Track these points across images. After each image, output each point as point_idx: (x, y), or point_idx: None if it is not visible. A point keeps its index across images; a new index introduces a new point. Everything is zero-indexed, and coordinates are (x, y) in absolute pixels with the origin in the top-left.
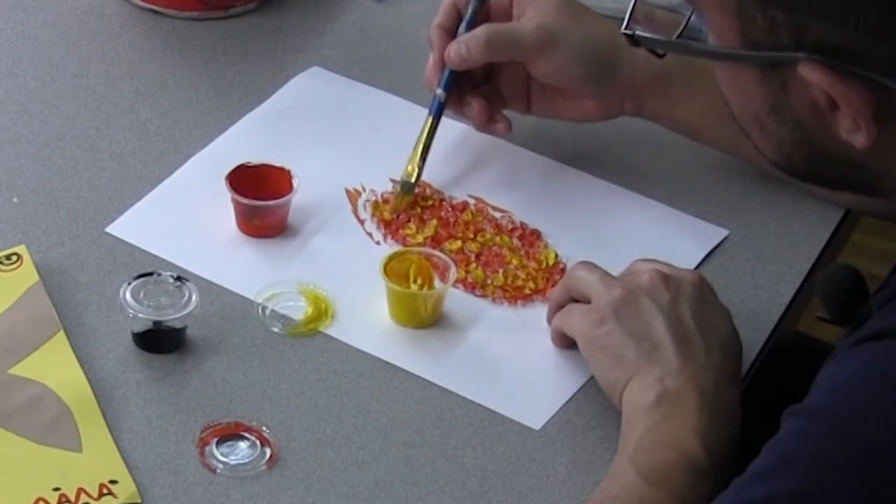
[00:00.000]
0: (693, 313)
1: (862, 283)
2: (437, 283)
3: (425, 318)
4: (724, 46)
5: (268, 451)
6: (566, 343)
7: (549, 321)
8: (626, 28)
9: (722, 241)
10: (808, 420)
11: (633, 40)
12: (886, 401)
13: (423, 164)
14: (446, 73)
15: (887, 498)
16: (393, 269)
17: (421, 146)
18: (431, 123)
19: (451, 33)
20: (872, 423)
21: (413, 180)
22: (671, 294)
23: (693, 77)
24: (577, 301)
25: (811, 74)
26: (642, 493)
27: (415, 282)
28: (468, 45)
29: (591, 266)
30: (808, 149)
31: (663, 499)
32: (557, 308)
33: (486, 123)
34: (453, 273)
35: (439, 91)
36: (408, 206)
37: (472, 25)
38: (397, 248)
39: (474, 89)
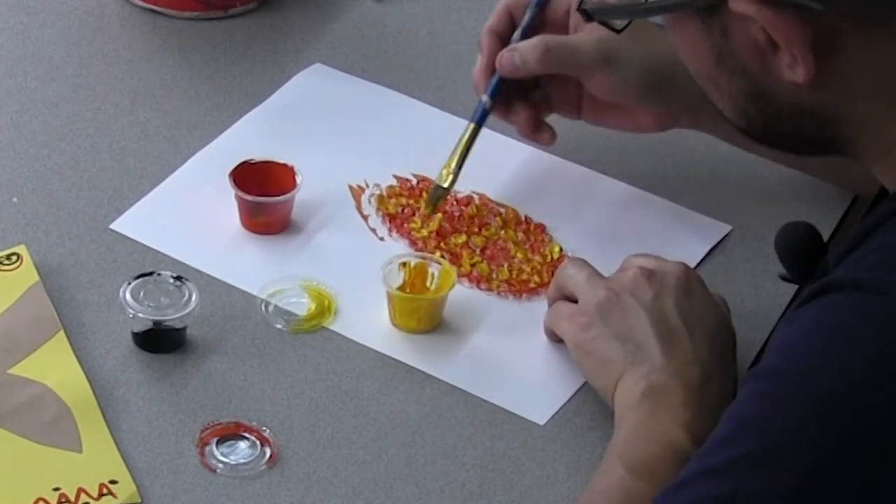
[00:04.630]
0: (678, 307)
1: (819, 239)
2: (430, 285)
3: (426, 323)
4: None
5: (268, 451)
6: (559, 339)
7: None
8: (579, 6)
9: (723, 240)
10: (763, 382)
11: (587, 15)
12: (837, 354)
13: (459, 170)
14: (495, 79)
15: (846, 450)
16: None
17: (459, 153)
18: (473, 130)
19: (503, 39)
20: (825, 377)
21: (446, 185)
22: (654, 291)
23: None
24: (568, 298)
25: (739, 5)
26: (628, 487)
27: (412, 287)
28: (523, 55)
29: (580, 264)
30: (758, 100)
31: (650, 491)
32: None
33: (532, 133)
34: (454, 277)
35: (485, 98)
36: (438, 210)
37: (527, 33)
38: (402, 242)
39: (523, 95)
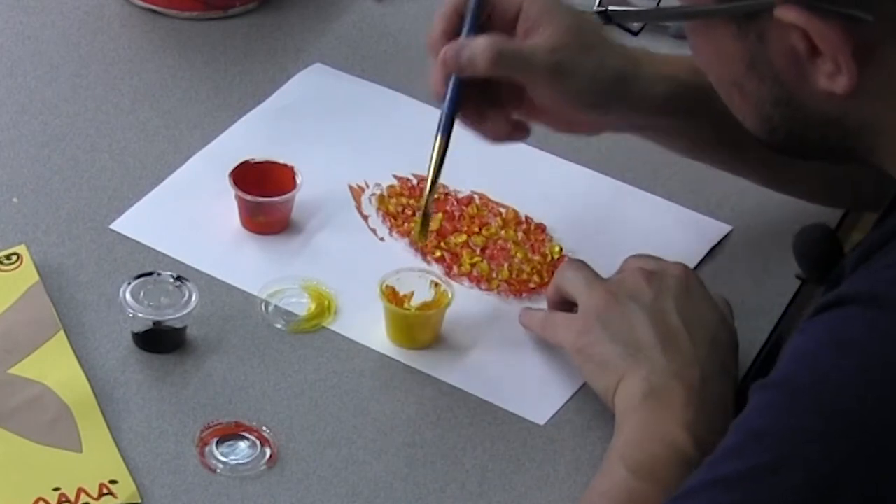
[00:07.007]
0: (678, 308)
1: (836, 241)
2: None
3: (423, 340)
4: (697, 5)
5: (268, 451)
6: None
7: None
8: (597, 7)
9: (723, 240)
10: (772, 393)
11: (606, 17)
12: (847, 368)
13: (434, 188)
14: (452, 85)
15: (854, 465)
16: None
17: (431, 173)
18: (441, 142)
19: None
20: (835, 391)
21: (427, 208)
22: (654, 292)
23: (696, 104)
24: (567, 300)
25: (788, 14)
26: (630, 487)
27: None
28: (473, 55)
29: (578, 266)
30: (786, 106)
31: (652, 491)
32: (554, 306)
33: (510, 136)
34: (451, 294)
35: (446, 107)
36: (427, 238)
37: (473, 31)
38: (402, 242)
39: (490, 101)
